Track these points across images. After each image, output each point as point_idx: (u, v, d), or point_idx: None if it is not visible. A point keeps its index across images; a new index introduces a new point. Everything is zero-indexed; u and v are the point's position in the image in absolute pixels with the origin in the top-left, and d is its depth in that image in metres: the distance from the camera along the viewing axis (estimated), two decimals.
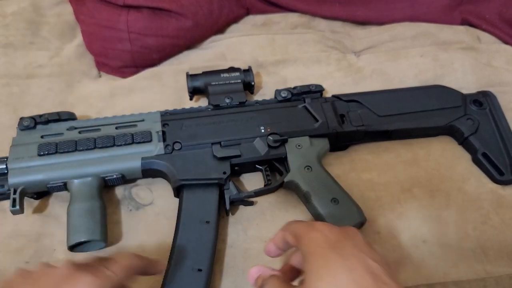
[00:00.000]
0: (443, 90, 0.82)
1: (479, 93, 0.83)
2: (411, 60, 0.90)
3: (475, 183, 0.74)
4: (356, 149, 0.78)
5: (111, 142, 0.68)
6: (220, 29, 0.96)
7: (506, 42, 0.94)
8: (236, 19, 0.98)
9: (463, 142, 0.78)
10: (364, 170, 0.75)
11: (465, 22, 0.98)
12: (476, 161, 0.76)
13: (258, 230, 0.69)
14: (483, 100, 0.80)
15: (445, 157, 0.77)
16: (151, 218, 0.70)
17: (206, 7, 0.89)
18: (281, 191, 0.72)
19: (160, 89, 0.85)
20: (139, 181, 0.73)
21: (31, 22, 0.94)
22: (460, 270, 0.66)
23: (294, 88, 0.77)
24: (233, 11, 0.96)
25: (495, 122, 0.78)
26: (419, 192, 0.73)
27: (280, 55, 0.91)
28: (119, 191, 0.72)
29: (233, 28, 0.98)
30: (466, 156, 0.78)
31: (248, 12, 1.00)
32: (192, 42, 0.92)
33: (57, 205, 0.71)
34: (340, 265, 0.42)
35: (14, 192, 0.63)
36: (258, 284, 0.51)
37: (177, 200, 0.68)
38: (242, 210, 0.71)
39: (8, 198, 0.64)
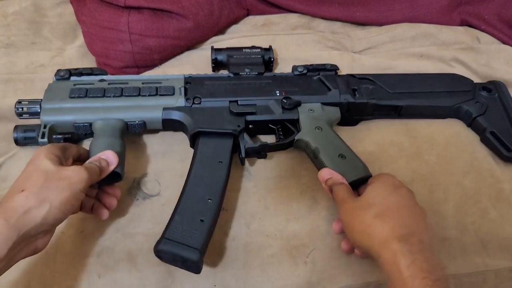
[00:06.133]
0: (454, 76, 0.84)
1: (489, 82, 0.84)
2: (411, 61, 0.90)
3: (475, 177, 0.75)
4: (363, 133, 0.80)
5: (136, 92, 0.73)
6: (221, 30, 0.96)
7: (505, 43, 0.95)
8: (236, 20, 0.99)
9: (472, 123, 0.80)
10: (366, 163, 0.74)
11: (464, 23, 0.98)
12: (484, 140, 0.78)
13: (261, 224, 0.69)
14: (493, 88, 0.82)
15: (448, 151, 0.78)
16: (156, 208, 0.71)
17: (207, 8, 0.89)
18: (285, 185, 0.73)
19: None
20: (147, 173, 0.74)
21: (32, 22, 0.95)
22: (459, 264, 0.66)
23: (311, 65, 0.81)
24: (234, 12, 0.96)
25: (504, 106, 0.80)
26: (418, 186, 0.73)
27: (280, 55, 0.91)
28: (128, 181, 0.73)
29: (234, 28, 0.98)
30: (469, 150, 0.78)
31: (248, 13, 1.01)
32: (192, 43, 0.92)
33: None
34: (394, 195, 0.57)
35: (44, 127, 0.69)
36: (328, 184, 0.64)
37: None
38: (246, 204, 0.71)
39: (36, 143, 0.71)
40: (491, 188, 0.74)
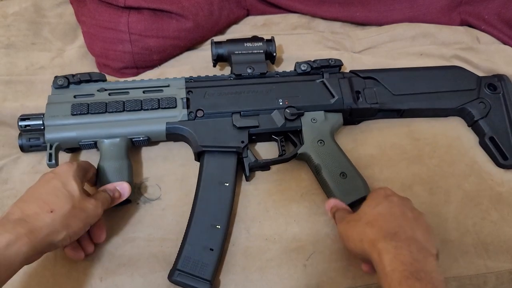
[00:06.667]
0: (460, 71, 0.84)
1: (494, 76, 0.84)
2: (411, 59, 0.90)
3: (475, 180, 0.75)
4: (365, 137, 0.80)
5: (138, 106, 0.72)
6: (221, 30, 0.96)
7: (505, 43, 0.94)
8: (236, 20, 0.99)
9: (473, 124, 0.80)
10: (367, 166, 0.76)
11: (464, 23, 0.98)
12: (482, 144, 0.78)
13: (261, 228, 0.70)
14: (498, 84, 0.82)
15: (449, 154, 0.78)
16: (157, 212, 0.71)
17: (207, 8, 0.89)
18: (285, 188, 0.74)
19: None
20: (148, 178, 0.75)
21: (32, 22, 0.94)
22: (460, 266, 0.67)
23: (314, 61, 0.79)
24: (233, 12, 0.96)
25: (507, 107, 0.80)
26: (419, 189, 0.74)
27: (281, 55, 0.91)
28: None
29: (234, 29, 0.98)
30: (470, 153, 0.79)
31: (248, 13, 1.00)
32: (192, 43, 0.92)
33: None
34: (384, 203, 0.58)
35: (50, 148, 0.68)
36: (332, 211, 0.66)
37: (182, 196, 0.72)
38: (246, 207, 0.72)
39: (41, 150, 0.72)
40: (491, 190, 0.74)
